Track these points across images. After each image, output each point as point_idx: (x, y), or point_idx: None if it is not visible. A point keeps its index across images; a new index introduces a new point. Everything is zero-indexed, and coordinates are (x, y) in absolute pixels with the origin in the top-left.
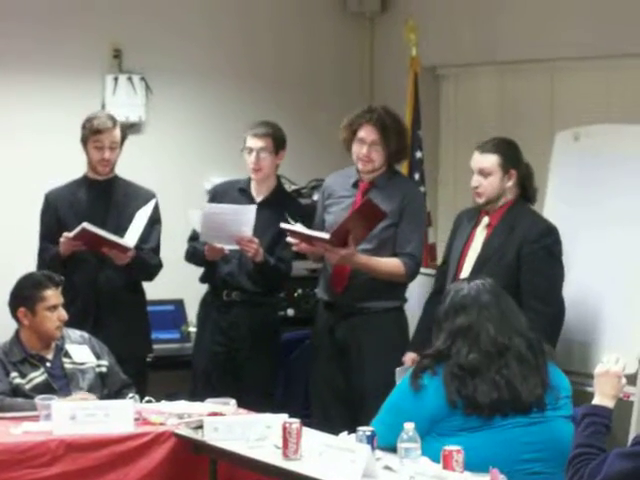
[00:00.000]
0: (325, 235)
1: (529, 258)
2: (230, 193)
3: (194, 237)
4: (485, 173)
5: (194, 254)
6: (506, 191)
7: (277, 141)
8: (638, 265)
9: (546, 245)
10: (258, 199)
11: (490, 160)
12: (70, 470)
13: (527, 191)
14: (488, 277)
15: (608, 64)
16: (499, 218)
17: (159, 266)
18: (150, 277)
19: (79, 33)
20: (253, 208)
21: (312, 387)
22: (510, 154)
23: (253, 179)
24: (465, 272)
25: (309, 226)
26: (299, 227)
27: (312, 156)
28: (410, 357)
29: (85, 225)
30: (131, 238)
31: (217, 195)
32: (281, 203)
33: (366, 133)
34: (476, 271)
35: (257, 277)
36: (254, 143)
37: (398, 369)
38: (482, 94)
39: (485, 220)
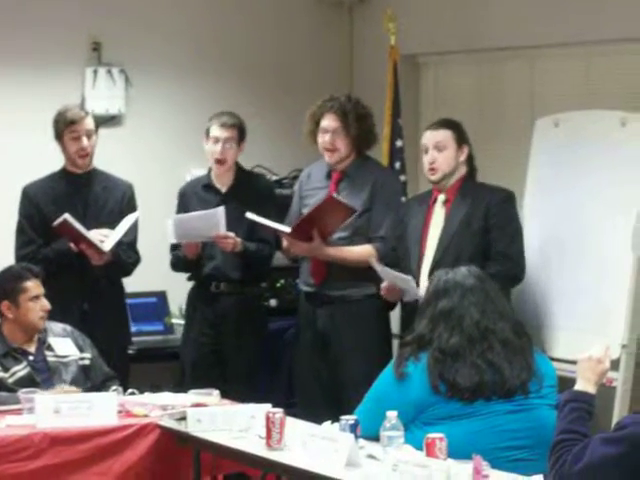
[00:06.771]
0: (286, 229)
1: (495, 221)
2: (197, 192)
3: (175, 246)
4: (440, 147)
5: (177, 262)
6: (459, 166)
7: (242, 132)
8: (618, 249)
9: (509, 208)
10: (223, 189)
11: (444, 134)
12: (54, 463)
13: (472, 170)
14: (456, 249)
15: (587, 50)
16: (455, 193)
17: (136, 262)
18: (127, 274)
19: (58, 26)
20: (221, 210)
21: (296, 377)
22: (460, 130)
23: (216, 170)
24: (430, 250)
25: (284, 215)
26: (262, 219)
27: (292, 147)
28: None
29: (67, 217)
30: (109, 242)
31: (184, 197)
32: (247, 186)
33: (327, 122)
34: (443, 246)
35: (243, 266)
36: (221, 133)
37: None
38: (462, 82)
39: (442, 197)
